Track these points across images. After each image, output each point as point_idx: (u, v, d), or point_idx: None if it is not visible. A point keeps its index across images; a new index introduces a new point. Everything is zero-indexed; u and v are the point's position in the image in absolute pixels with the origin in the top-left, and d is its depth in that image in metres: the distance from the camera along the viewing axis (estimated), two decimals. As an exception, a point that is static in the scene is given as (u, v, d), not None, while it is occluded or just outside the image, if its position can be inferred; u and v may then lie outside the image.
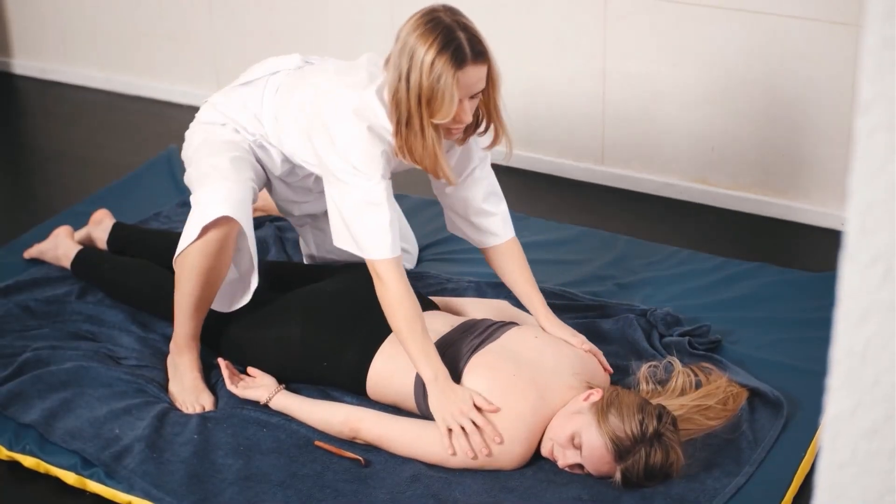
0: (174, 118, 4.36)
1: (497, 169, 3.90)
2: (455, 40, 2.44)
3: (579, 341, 2.67)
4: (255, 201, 2.77)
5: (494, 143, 2.65)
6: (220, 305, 2.79)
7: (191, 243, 2.65)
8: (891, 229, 0.97)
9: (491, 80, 2.52)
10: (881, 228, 0.97)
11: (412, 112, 2.47)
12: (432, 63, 2.42)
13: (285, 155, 2.83)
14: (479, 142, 2.72)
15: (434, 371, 2.52)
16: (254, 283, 2.75)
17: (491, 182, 2.80)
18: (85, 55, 4.60)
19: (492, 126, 2.61)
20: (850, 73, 3.37)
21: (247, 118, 2.83)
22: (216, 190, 2.67)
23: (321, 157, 2.61)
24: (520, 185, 3.84)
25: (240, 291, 2.78)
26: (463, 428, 2.47)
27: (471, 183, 2.76)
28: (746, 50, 3.49)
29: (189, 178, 2.82)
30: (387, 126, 2.55)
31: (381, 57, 2.68)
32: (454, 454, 2.48)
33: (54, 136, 4.31)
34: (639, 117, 3.71)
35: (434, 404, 2.50)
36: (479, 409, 2.49)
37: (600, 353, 2.70)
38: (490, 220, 2.78)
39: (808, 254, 3.41)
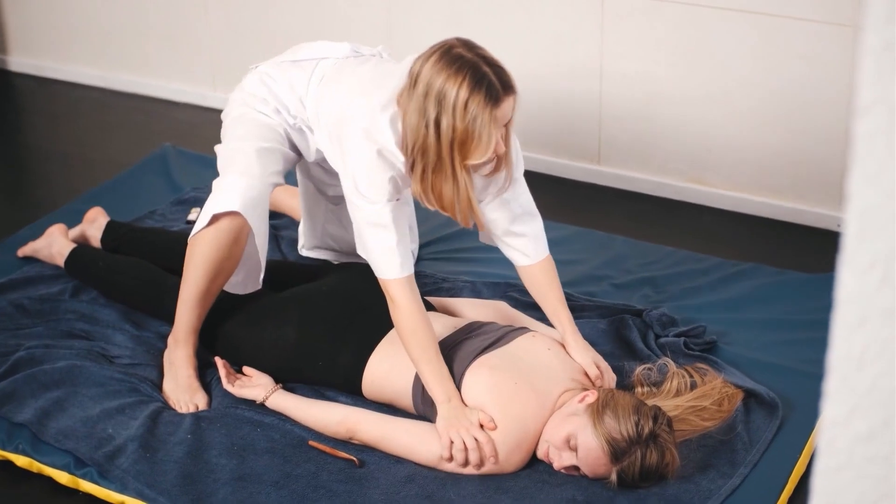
0: (170, 116, 4.35)
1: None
2: (485, 77, 2.38)
3: (594, 374, 2.61)
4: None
5: (496, 170, 2.58)
6: (232, 287, 2.79)
7: (203, 228, 2.66)
8: (889, 234, 0.96)
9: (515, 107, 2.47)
10: (879, 233, 0.97)
11: (443, 157, 2.41)
12: (466, 104, 2.35)
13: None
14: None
15: (447, 394, 2.51)
16: (259, 275, 2.75)
17: (521, 203, 2.70)
18: (81, 52, 4.59)
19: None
20: (848, 74, 3.36)
21: (292, 100, 2.78)
22: (234, 183, 2.66)
23: (338, 166, 2.61)
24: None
25: (251, 278, 2.78)
26: (465, 442, 2.46)
27: (497, 205, 2.68)
28: (743, 50, 3.48)
29: (219, 153, 2.79)
30: (396, 153, 2.49)
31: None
32: (450, 461, 2.48)
33: (49, 133, 4.30)
34: (636, 117, 3.71)
35: (442, 423, 2.49)
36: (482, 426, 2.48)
37: (612, 382, 2.65)
38: (520, 241, 2.71)
39: (805, 255, 3.41)
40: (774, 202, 3.60)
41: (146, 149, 4.03)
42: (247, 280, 2.78)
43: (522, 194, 2.70)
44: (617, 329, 2.90)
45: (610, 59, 3.67)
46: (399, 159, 2.49)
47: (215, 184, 2.72)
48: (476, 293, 3.09)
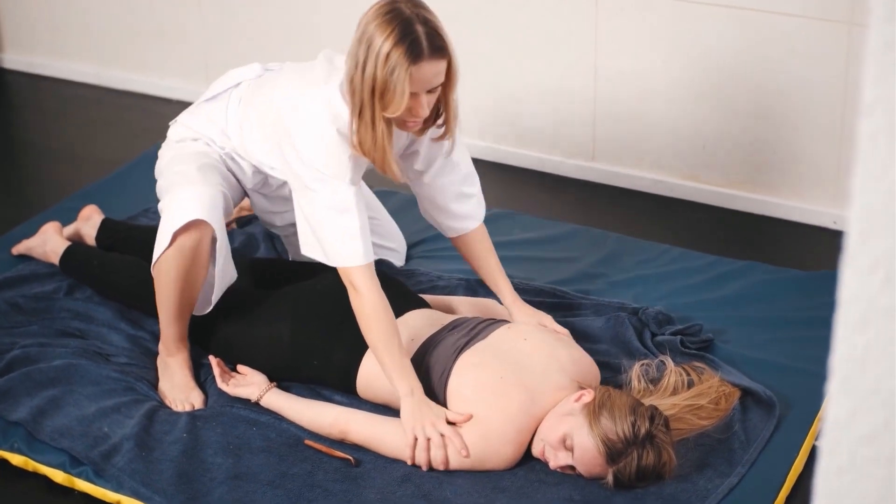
0: (164, 113, 4.33)
1: (487, 165, 3.91)
2: (412, 34, 2.39)
3: (550, 321, 2.74)
4: (235, 205, 2.79)
5: (443, 137, 2.62)
6: (199, 309, 2.77)
7: (164, 251, 2.63)
8: (892, 234, 0.96)
9: (449, 75, 2.47)
10: (882, 233, 0.96)
11: (365, 103, 2.42)
12: (387, 55, 2.37)
13: (255, 166, 2.79)
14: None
15: (410, 386, 2.51)
16: (226, 279, 2.73)
17: (467, 163, 2.79)
18: (75, 50, 4.58)
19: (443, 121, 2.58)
20: (843, 71, 3.36)
21: (215, 133, 2.80)
22: (184, 195, 2.65)
23: (288, 162, 2.57)
24: (510, 181, 3.83)
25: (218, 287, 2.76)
26: (429, 439, 2.46)
27: (450, 168, 2.75)
28: (738, 47, 3.48)
29: (159, 189, 2.80)
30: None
31: (337, 52, 2.64)
32: (412, 463, 2.47)
33: (43, 131, 4.29)
34: (630, 114, 3.70)
35: (406, 416, 2.49)
36: (450, 423, 2.48)
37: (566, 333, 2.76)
38: (469, 204, 2.78)
39: (800, 252, 3.41)
40: (769, 199, 3.59)
41: (140, 146, 4.02)
42: (220, 285, 2.74)
43: (466, 154, 2.79)
44: (613, 327, 2.89)
45: (604, 57, 3.67)
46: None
47: (162, 206, 2.72)
48: (470, 291, 3.08)
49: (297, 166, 2.53)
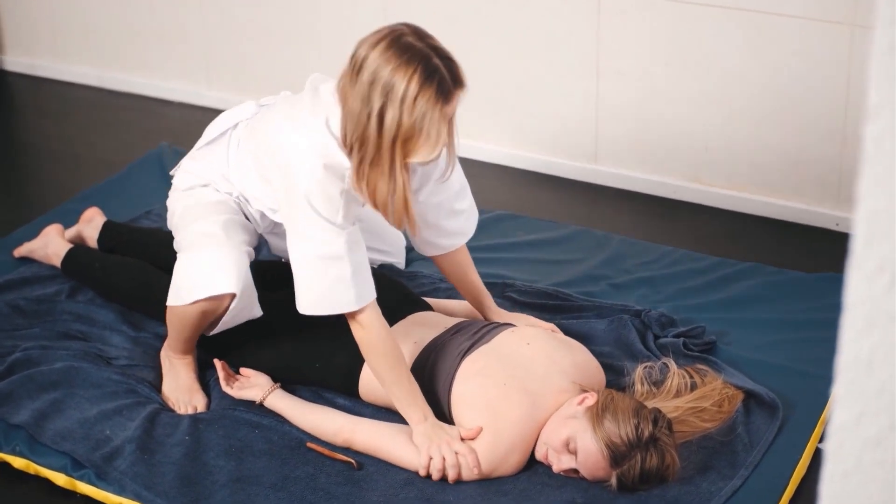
0: (166, 115, 4.34)
1: (489, 167, 3.91)
2: (436, 71, 2.25)
3: (533, 321, 2.75)
4: (257, 250, 2.72)
5: (449, 170, 2.52)
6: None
7: (183, 305, 2.59)
8: (898, 237, 0.96)
9: None
10: (887, 237, 0.96)
11: (383, 151, 2.27)
12: (415, 99, 2.22)
13: (260, 211, 2.68)
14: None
15: (423, 413, 2.49)
16: (256, 312, 2.68)
17: (460, 178, 2.68)
18: (76, 51, 4.58)
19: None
20: (845, 72, 3.36)
21: (218, 179, 2.69)
22: (211, 259, 2.56)
23: (281, 206, 2.48)
24: (512, 183, 3.83)
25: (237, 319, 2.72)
26: (445, 458, 2.44)
27: (444, 187, 2.64)
28: (741, 48, 3.48)
29: (178, 245, 2.69)
30: (342, 160, 2.36)
31: (324, 79, 2.50)
32: (426, 476, 2.46)
33: (44, 133, 4.29)
34: (633, 116, 3.70)
35: (420, 439, 2.47)
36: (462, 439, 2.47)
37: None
38: (459, 220, 2.69)
39: (803, 254, 3.40)
40: (772, 201, 3.59)
41: (142, 148, 4.02)
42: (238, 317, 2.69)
43: (458, 170, 2.63)
44: (616, 329, 2.89)
45: (606, 58, 3.67)
46: (345, 165, 2.36)
47: (185, 260, 2.60)
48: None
49: (289, 207, 2.43)
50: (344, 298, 2.44)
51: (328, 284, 2.43)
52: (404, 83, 2.23)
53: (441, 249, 2.74)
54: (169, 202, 2.79)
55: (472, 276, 2.79)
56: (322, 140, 2.37)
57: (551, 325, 2.78)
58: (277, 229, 2.77)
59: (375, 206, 2.36)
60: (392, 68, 2.24)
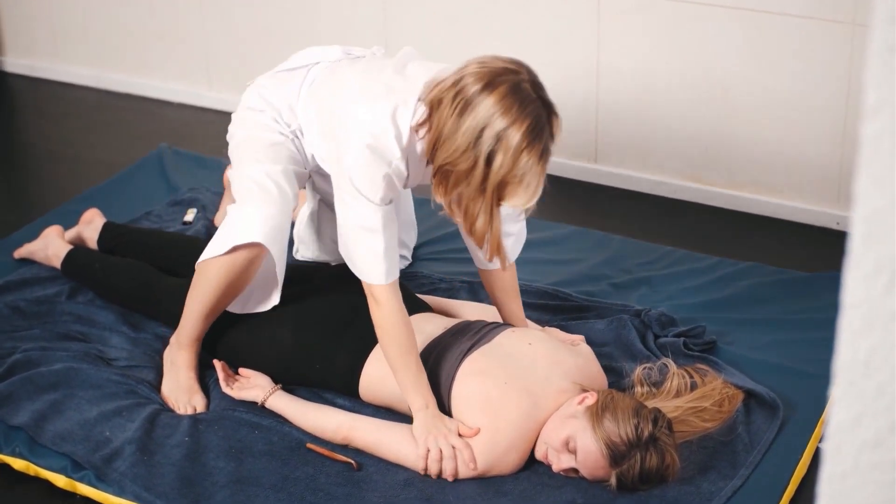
0: (166, 116, 4.34)
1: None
2: (544, 130, 2.35)
3: (559, 334, 2.73)
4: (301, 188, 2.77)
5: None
6: (233, 307, 2.76)
7: (217, 256, 2.62)
8: (895, 238, 0.95)
9: None
10: (886, 237, 0.96)
11: (487, 191, 2.34)
12: (520, 153, 2.31)
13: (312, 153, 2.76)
14: None
15: (425, 401, 2.50)
16: (274, 299, 2.71)
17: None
18: (76, 53, 4.58)
19: None
20: (845, 71, 3.35)
21: (285, 108, 2.74)
22: (254, 214, 2.61)
23: (332, 164, 2.57)
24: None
25: (255, 299, 2.75)
26: (441, 451, 2.45)
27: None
28: (741, 47, 3.47)
29: (233, 180, 2.74)
30: (393, 149, 2.44)
31: (414, 57, 2.57)
32: (425, 472, 2.47)
33: (44, 134, 4.29)
34: (633, 115, 3.70)
35: (419, 429, 2.48)
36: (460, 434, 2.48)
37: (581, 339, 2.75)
38: (507, 242, 2.68)
39: (803, 253, 3.40)
40: (773, 200, 3.59)
41: (142, 149, 4.02)
42: (259, 300, 2.74)
43: None
44: (616, 329, 2.89)
45: (607, 57, 3.66)
46: (395, 155, 2.44)
47: (233, 211, 2.67)
48: (473, 293, 3.08)
49: (338, 170, 2.50)
50: (375, 271, 2.49)
51: (363, 252, 2.49)
52: (518, 135, 2.30)
53: (482, 264, 2.75)
54: (234, 116, 2.83)
55: (512, 298, 2.76)
56: (382, 125, 2.43)
57: (580, 337, 2.76)
58: (323, 172, 2.81)
59: (471, 234, 2.44)
60: (509, 119, 2.31)
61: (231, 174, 2.78)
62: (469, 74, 2.36)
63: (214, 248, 2.63)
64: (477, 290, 3.08)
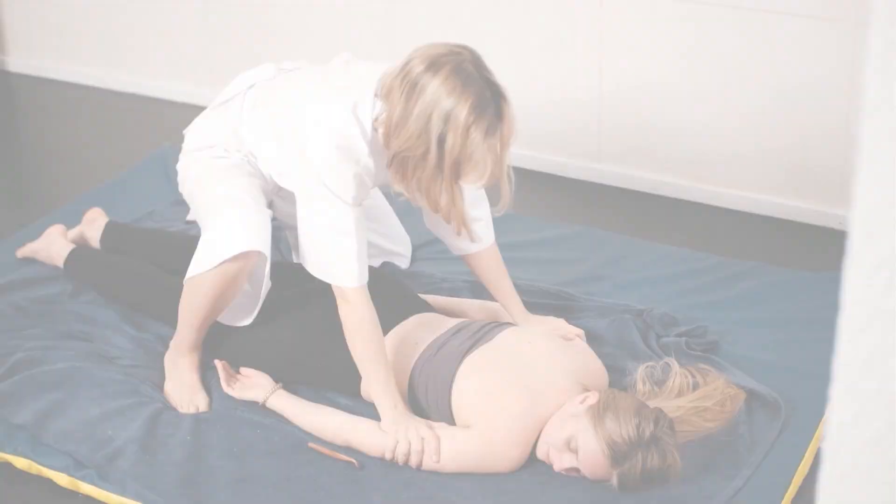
0: (168, 116, 4.34)
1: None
2: (489, 106, 2.38)
3: (562, 324, 2.75)
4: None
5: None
6: (224, 319, 2.76)
7: (205, 271, 2.60)
8: (894, 237, 0.95)
9: None
10: (885, 235, 0.96)
11: (444, 171, 2.40)
12: (468, 130, 2.35)
13: (268, 172, 2.74)
14: None
15: (394, 400, 2.52)
16: (257, 305, 2.72)
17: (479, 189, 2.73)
18: (79, 53, 4.58)
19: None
20: (849, 71, 3.35)
21: (227, 137, 2.73)
22: (235, 220, 2.59)
23: (293, 174, 2.57)
24: (515, 182, 3.82)
25: (245, 309, 2.75)
26: (411, 442, 2.48)
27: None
28: (743, 47, 3.47)
29: (198, 212, 2.72)
30: (360, 146, 2.47)
31: (354, 58, 2.60)
32: (391, 458, 2.49)
33: (47, 133, 4.29)
34: (635, 115, 3.70)
35: (387, 423, 2.51)
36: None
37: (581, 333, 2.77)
38: (475, 226, 2.72)
39: (806, 253, 3.40)
40: (775, 200, 3.59)
41: (145, 149, 4.02)
42: (242, 310, 2.73)
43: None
44: (618, 329, 2.89)
45: (609, 57, 3.66)
46: (363, 151, 2.46)
47: (209, 227, 2.64)
48: (475, 293, 3.07)
49: (302, 178, 2.51)
50: (348, 274, 2.51)
51: (334, 257, 2.51)
52: (464, 113, 2.35)
53: (459, 250, 2.81)
54: (179, 166, 2.83)
55: (503, 285, 2.80)
56: (345, 124, 2.46)
57: (578, 330, 2.78)
58: (283, 193, 2.83)
59: (437, 212, 2.49)
60: (455, 98, 2.35)
61: (192, 213, 2.76)
62: (414, 59, 2.42)
63: (201, 264, 2.61)
64: (479, 289, 3.08)
